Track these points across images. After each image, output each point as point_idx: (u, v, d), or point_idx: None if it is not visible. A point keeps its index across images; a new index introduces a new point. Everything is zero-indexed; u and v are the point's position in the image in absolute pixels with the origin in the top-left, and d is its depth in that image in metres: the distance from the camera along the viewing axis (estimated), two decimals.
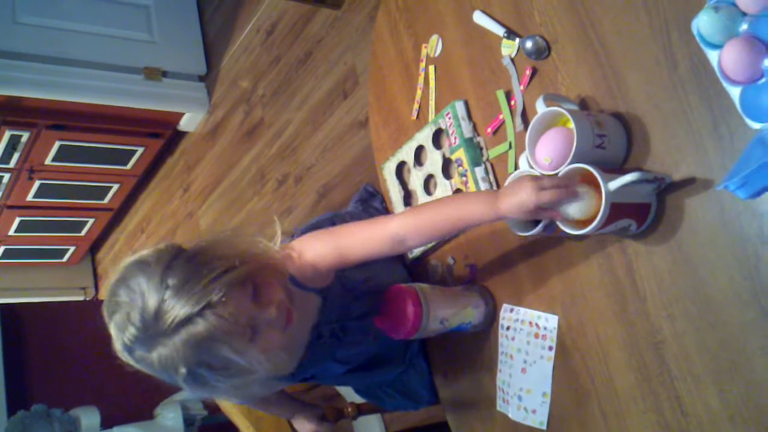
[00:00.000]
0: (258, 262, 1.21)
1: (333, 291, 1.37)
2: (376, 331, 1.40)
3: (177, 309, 1.11)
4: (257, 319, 1.17)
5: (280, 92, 3.30)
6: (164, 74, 3.71)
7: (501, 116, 1.33)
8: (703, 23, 0.98)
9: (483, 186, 1.34)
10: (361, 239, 1.32)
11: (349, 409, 1.69)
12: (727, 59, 0.96)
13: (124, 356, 1.16)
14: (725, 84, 0.98)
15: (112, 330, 1.15)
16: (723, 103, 1.01)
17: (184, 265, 1.15)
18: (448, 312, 1.29)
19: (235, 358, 1.15)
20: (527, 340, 1.28)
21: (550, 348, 1.24)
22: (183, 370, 1.13)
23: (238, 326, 1.14)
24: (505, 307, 1.33)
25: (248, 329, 1.16)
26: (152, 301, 1.11)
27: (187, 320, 1.11)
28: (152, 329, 1.11)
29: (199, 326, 1.11)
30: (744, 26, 0.96)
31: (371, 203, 1.73)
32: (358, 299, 1.41)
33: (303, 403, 1.69)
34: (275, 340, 1.20)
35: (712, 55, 1.00)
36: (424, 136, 1.46)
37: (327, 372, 1.47)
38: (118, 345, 1.16)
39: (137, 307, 1.12)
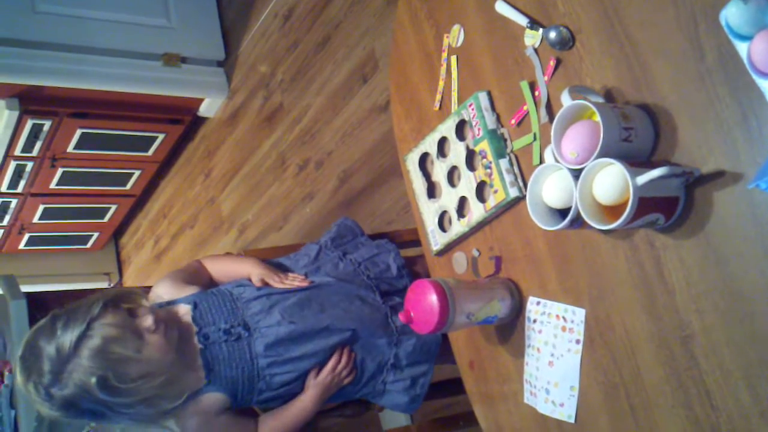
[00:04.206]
0: (117, 290, 1.60)
1: (206, 298, 1.61)
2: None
3: (70, 334, 1.39)
4: (139, 328, 1.45)
5: (299, 77, 3.29)
6: (183, 60, 3.71)
7: (525, 107, 1.31)
8: (732, 14, 0.96)
9: (508, 178, 1.33)
10: None
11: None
12: (757, 51, 0.94)
13: (45, 409, 1.42)
14: (755, 76, 0.96)
15: (30, 389, 1.41)
16: (752, 95, 0.99)
17: (63, 312, 1.44)
18: (475, 306, 1.29)
19: (134, 355, 1.41)
20: (554, 333, 1.27)
21: (578, 341, 1.24)
22: (93, 380, 1.37)
23: (125, 331, 1.43)
24: (532, 299, 1.32)
25: (134, 335, 1.43)
26: (51, 345, 1.39)
27: (82, 337, 1.39)
28: (59, 360, 1.38)
29: (94, 338, 1.39)
30: None
31: (350, 243, 1.82)
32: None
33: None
34: (161, 344, 1.46)
35: (741, 47, 0.98)
36: (447, 128, 1.45)
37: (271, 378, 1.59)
38: (38, 397, 1.41)
39: (43, 356, 1.39)
